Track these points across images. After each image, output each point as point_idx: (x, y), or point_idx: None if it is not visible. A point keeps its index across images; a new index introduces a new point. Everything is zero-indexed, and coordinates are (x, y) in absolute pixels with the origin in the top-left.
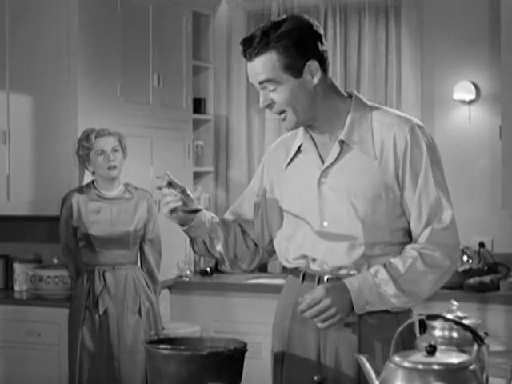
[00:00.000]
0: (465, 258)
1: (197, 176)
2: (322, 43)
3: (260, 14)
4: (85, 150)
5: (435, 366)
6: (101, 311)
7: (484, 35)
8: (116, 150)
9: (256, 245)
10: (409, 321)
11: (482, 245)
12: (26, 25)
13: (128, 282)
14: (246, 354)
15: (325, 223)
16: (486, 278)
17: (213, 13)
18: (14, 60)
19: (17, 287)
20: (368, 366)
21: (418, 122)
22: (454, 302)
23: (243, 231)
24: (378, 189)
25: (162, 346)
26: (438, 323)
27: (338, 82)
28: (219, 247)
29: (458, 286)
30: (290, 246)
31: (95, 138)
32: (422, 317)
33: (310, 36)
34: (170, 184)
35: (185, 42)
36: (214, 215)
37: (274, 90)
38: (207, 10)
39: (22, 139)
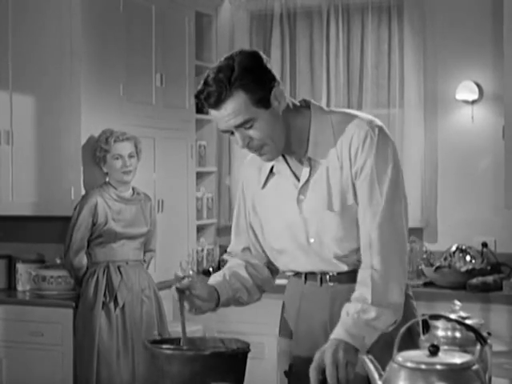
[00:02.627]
0: (468, 257)
1: (199, 176)
2: (271, 67)
3: (263, 15)
4: (102, 151)
5: (438, 366)
6: (121, 304)
7: (487, 35)
8: (132, 156)
9: (269, 267)
10: (412, 320)
11: (484, 245)
12: (28, 25)
13: (140, 277)
14: (249, 355)
15: (311, 240)
16: (489, 278)
17: (215, 13)
18: (16, 60)
19: (20, 287)
20: (371, 366)
21: (376, 122)
22: (457, 302)
23: (254, 266)
24: (347, 197)
25: (164, 346)
26: (440, 323)
27: (341, 83)
28: (245, 298)
29: (461, 286)
30: (281, 259)
31: (114, 142)
32: (425, 317)
33: (262, 64)
34: (183, 291)
35: (187, 42)
36: (227, 277)
37: (250, 127)
38: (210, 10)
39: (24, 139)
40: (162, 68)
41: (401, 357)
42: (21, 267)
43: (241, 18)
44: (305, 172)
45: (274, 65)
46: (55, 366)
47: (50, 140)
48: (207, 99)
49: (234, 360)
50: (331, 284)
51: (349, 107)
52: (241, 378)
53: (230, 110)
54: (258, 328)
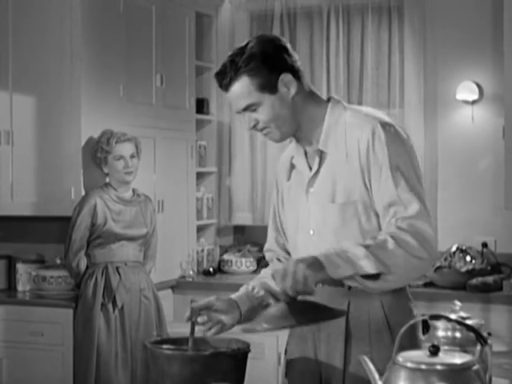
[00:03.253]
0: (468, 258)
1: (200, 176)
2: (289, 55)
3: (263, 15)
4: (104, 152)
5: (438, 367)
6: (119, 305)
7: (487, 35)
8: (133, 157)
9: None
10: (412, 321)
11: (484, 245)
12: (28, 25)
13: (139, 278)
14: (249, 355)
15: (311, 231)
16: (489, 279)
17: (216, 13)
18: (16, 61)
19: (20, 287)
20: (371, 367)
21: (385, 119)
22: (457, 303)
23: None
24: (352, 192)
25: (165, 347)
26: (441, 323)
27: (341, 83)
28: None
29: (461, 287)
30: (294, 256)
31: (115, 143)
32: (425, 317)
33: (276, 51)
34: (195, 322)
35: (188, 42)
36: (249, 287)
37: (255, 111)
38: (210, 11)
39: (25, 140)
40: (162, 68)
41: (401, 357)
42: (21, 267)
43: (241, 19)
44: (315, 163)
45: None
46: (55, 366)
47: (50, 140)
48: (219, 81)
49: (234, 360)
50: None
51: None
52: (241, 378)
53: (236, 94)
54: None
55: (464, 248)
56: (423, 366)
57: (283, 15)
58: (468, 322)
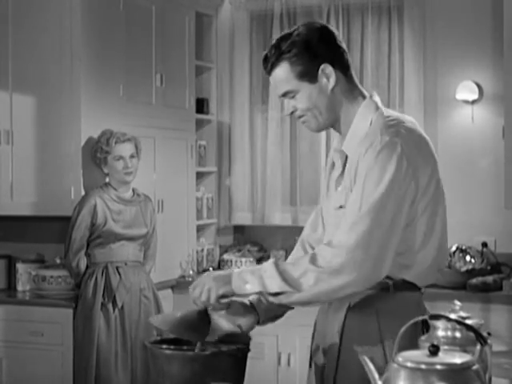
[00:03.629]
0: (468, 258)
1: (199, 176)
2: (335, 46)
3: (263, 15)
4: (103, 153)
5: (438, 366)
6: (119, 305)
7: (487, 35)
8: (133, 157)
9: None
10: (411, 321)
11: (484, 245)
12: (28, 25)
13: (139, 278)
14: (249, 354)
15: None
16: (489, 278)
17: (215, 13)
18: (16, 60)
19: (20, 287)
20: (371, 366)
21: (397, 140)
22: (457, 302)
23: None
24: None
25: (164, 346)
26: (440, 323)
27: None
28: None
29: (461, 286)
30: None
31: (115, 143)
32: (425, 317)
33: (320, 40)
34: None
35: (187, 42)
36: None
37: (293, 97)
38: (210, 10)
39: (25, 139)
40: (162, 68)
41: (401, 357)
42: (21, 267)
43: (241, 18)
44: (340, 164)
45: None
46: (55, 366)
47: (50, 140)
48: (263, 64)
49: (234, 359)
50: None
51: None
52: (241, 377)
53: (276, 79)
54: (257, 328)
55: (464, 248)
56: (423, 366)
57: (283, 15)
58: (468, 321)
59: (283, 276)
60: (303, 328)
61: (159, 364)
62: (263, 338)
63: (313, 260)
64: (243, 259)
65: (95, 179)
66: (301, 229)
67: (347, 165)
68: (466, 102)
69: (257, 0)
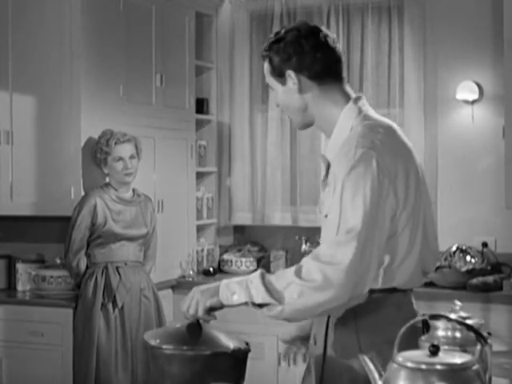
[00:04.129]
0: (468, 257)
1: (199, 176)
2: (315, 52)
3: (263, 15)
4: (103, 153)
5: (438, 366)
6: (119, 305)
7: (487, 35)
8: (133, 157)
9: None
10: (411, 321)
11: (485, 245)
12: (28, 25)
13: (139, 278)
14: (249, 355)
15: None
16: (489, 278)
17: (215, 13)
18: (16, 60)
19: (20, 287)
20: (371, 366)
21: (369, 143)
22: (458, 302)
23: None
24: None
25: (165, 346)
26: (441, 323)
27: None
28: None
29: (461, 286)
30: None
31: (115, 144)
32: (425, 317)
33: (297, 46)
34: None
35: (187, 42)
36: None
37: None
38: (210, 10)
39: (24, 139)
40: (162, 68)
41: (401, 357)
42: (21, 267)
43: (241, 18)
44: (324, 169)
45: None
46: (55, 366)
47: (49, 140)
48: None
49: (234, 360)
50: None
51: None
52: (241, 377)
53: (264, 72)
54: (257, 328)
55: (464, 248)
56: (423, 366)
57: (283, 15)
58: (468, 321)
59: (267, 287)
60: None
61: (159, 364)
62: (263, 338)
63: (298, 272)
64: (243, 259)
65: (95, 179)
66: (301, 229)
67: (330, 170)
68: (466, 101)
69: (257, 0)
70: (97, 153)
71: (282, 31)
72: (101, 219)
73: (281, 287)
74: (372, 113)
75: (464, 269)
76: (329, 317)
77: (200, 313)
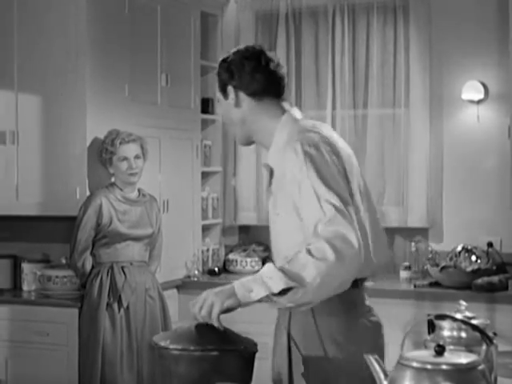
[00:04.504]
0: (473, 258)
1: (205, 176)
2: (255, 72)
3: (268, 14)
4: (108, 153)
5: (444, 366)
6: (125, 305)
7: (492, 34)
8: (138, 158)
9: None
10: (416, 322)
11: (490, 245)
12: (34, 25)
13: (144, 278)
14: (256, 355)
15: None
16: (495, 278)
17: (221, 12)
18: (22, 60)
19: (25, 287)
20: (377, 367)
21: (310, 139)
22: (463, 302)
23: None
24: (287, 205)
25: (172, 346)
26: (446, 323)
27: (347, 82)
28: None
29: (467, 286)
30: None
31: (120, 144)
32: (431, 317)
33: (239, 65)
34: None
35: (193, 41)
36: None
37: None
38: (215, 10)
39: (30, 139)
40: (168, 68)
41: (406, 357)
42: (26, 267)
43: (246, 18)
44: (267, 176)
45: None
46: (60, 366)
47: (55, 140)
48: None
49: (241, 360)
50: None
51: (354, 107)
52: (248, 377)
53: None
54: (264, 328)
55: (469, 248)
56: (429, 366)
57: (288, 15)
58: (473, 321)
59: (285, 273)
60: None
61: (166, 364)
62: (269, 338)
63: (309, 253)
64: (248, 259)
65: (100, 179)
66: None
67: (274, 177)
68: (472, 101)
69: (262, 0)
70: (102, 152)
71: (232, 51)
72: (106, 219)
73: (298, 270)
74: (307, 121)
75: (469, 269)
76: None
77: (214, 315)
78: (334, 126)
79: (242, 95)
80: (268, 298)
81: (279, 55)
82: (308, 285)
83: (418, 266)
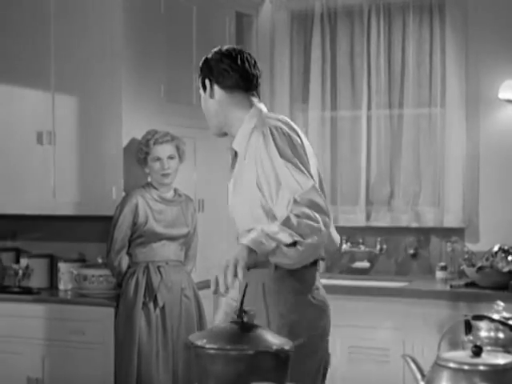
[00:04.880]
0: (510, 258)
1: None
2: (229, 70)
3: (303, 14)
4: (143, 153)
5: (481, 367)
6: (160, 304)
7: None
8: (172, 158)
9: None
10: (454, 322)
11: None
12: (70, 26)
13: (180, 277)
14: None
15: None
16: None
17: (256, 13)
18: (58, 61)
19: (61, 286)
20: (413, 366)
21: (276, 124)
22: (500, 303)
23: None
24: (250, 184)
25: (208, 346)
26: (483, 324)
27: (382, 82)
28: None
29: (504, 287)
30: None
31: (154, 144)
32: (468, 317)
33: (215, 62)
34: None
35: (228, 42)
36: None
37: None
38: (250, 10)
39: (66, 140)
40: None
41: (444, 357)
42: (63, 266)
43: (281, 18)
44: (231, 160)
45: (314, 64)
46: (96, 365)
47: (91, 140)
48: None
49: (277, 360)
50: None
51: (390, 107)
52: (284, 378)
53: None
54: None
55: (506, 248)
56: (466, 367)
57: (324, 14)
58: (511, 322)
59: (288, 229)
60: (343, 328)
61: (202, 364)
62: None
63: (298, 216)
64: None
65: (136, 179)
66: (341, 228)
67: (238, 160)
68: (509, 101)
69: (297, 0)
70: (138, 152)
71: (215, 50)
72: (142, 218)
73: (294, 229)
74: (273, 114)
75: (506, 269)
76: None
77: (240, 270)
78: (369, 125)
79: (216, 88)
80: (273, 252)
81: (314, 55)
82: (305, 240)
83: (454, 266)
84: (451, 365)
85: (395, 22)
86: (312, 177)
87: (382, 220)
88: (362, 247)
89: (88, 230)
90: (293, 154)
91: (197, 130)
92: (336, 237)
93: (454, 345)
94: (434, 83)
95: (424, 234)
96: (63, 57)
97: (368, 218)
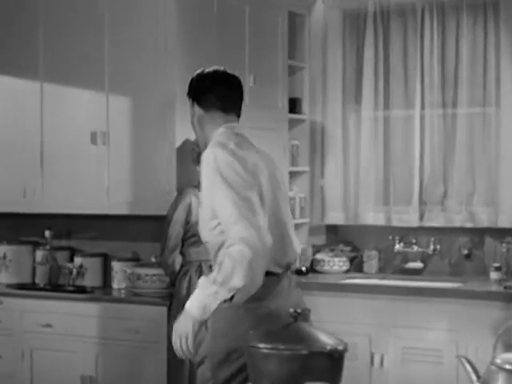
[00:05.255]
0: None
1: (292, 175)
2: (211, 91)
3: (356, 14)
4: (195, 152)
5: None
6: None
7: None
8: None
9: None
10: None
11: None
12: (124, 27)
13: None
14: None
15: None
16: None
17: (308, 12)
18: (112, 62)
19: (115, 285)
20: (468, 368)
21: (216, 149)
22: None
23: None
24: (206, 199)
25: (261, 345)
26: None
27: (436, 82)
28: None
29: None
30: None
31: None
32: None
33: (196, 83)
34: None
35: (280, 42)
36: None
37: None
38: (303, 10)
39: (120, 140)
40: (255, 68)
41: (499, 359)
42: (116, 265)
43: (334, 18)
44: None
45: (367, 64)
46: (149, 364)
47: (145, 140)
48: None
49: (331, 360)
50: None
51: (443, 106)
52: (337, 378)
53: None
54: (350, 328)
55: None
56: None
57: (376, 14)
58: None
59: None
60: (396, 329)
61: (256, 363)
62: (356, 338)
63: (231, 256)
64: (336, 259)
65: (189, 179)
66: (394, 228)
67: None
68: None
69: None
70: (191, 151)
71: (207, 70)
72: (195, 217)
73: (229, 276)
74: (234, 136)
75: None
76: None
77: (190, 345)
78: (422, 125)
79: (195, 106)
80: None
81: (367, 55)
82: (243, 286)
83: (508, 266)
84: (507, 366)
85: (449, 20)
86: (250, 198)
87: (435, 220)
88: (415, 247)
89: (141, 230)
90: (230, 184)
91: (249, 130)
92: (296, 245)
93: (509, 346)
94: (488, 82)
95: (478, 234)
96: (117, 58)
97: (421, 218)
